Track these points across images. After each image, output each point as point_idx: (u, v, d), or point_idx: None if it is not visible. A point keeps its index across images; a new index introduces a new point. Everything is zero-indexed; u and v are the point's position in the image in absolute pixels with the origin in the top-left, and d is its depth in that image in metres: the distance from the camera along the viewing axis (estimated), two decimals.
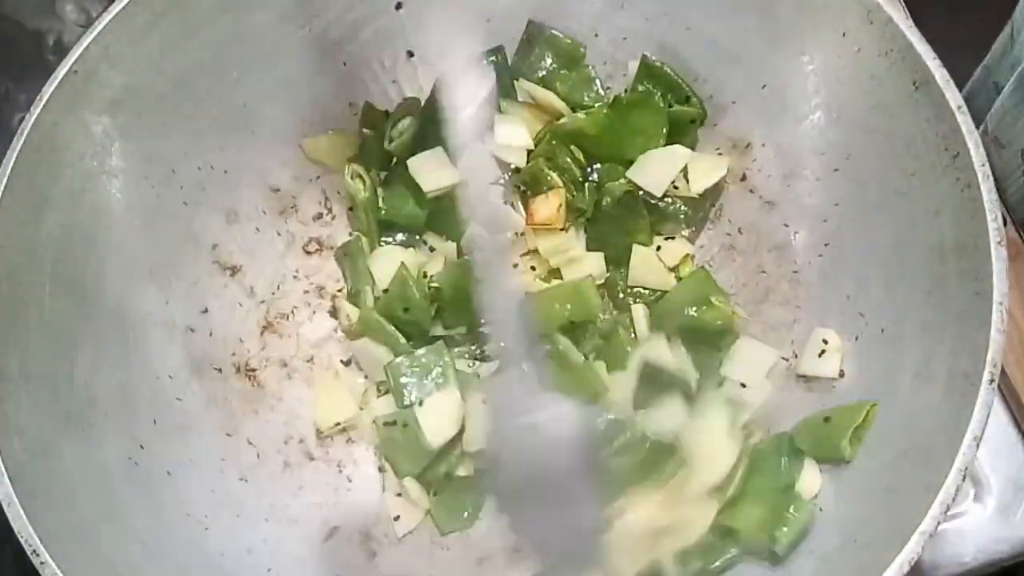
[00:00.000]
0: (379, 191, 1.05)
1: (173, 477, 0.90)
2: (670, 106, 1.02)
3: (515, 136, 1.05)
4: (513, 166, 1.04)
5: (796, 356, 0.95)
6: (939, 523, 0.71)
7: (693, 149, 1.02)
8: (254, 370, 1.02)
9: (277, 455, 0.99)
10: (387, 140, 1.03)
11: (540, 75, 1.06)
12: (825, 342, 0.92)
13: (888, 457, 0.81)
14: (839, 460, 0.86)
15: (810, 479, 0.87)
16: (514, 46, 1.07)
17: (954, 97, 0.81)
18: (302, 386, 1.03)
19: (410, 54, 1.08)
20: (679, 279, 1.02)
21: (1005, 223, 0.79)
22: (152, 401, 0.92)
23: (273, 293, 1.05)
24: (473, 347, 1.01)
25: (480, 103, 0.85)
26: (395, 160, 1.04)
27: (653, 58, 1.02)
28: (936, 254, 0.83)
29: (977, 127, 0.95)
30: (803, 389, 0.93)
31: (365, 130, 1.06)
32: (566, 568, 0.86)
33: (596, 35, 1.06)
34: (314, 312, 1.06)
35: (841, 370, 0.91)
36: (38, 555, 0.73)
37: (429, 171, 1.02)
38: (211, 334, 1.00)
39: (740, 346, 0.97)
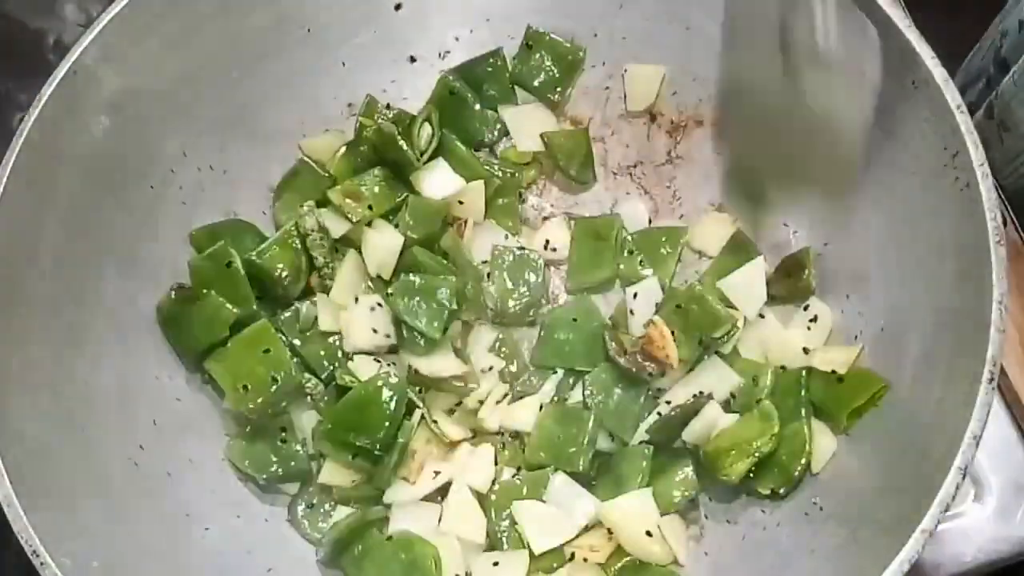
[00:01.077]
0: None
1: (173, 477, 0.90)
2: None
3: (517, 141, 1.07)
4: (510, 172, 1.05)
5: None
6: (939, 522, 0.71)
7: None
8: None
9: None
10: (416, 153, 1.01)
11: (539, 79, 1.07)
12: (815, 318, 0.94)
13: (888, 456, 0.81)
14: (836, 426, 0.87)
15: (824, 442, 0.88)
16: (514, 46, 1.07)
17: (953, 96, 0.81)
18: None
19: (412, 59, 1.08)
20: None
21: (1005, 223, 0.79)
22: (152, 402, 0.92)
23: None
24: None
25: None
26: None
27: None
28: (935, 253, 0.83)
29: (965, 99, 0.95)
30: None
31: (363, 119, 1.06)
32: None
33: (595, 35, 1.06)
34: None
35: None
36: (38, 556, 0.73)
37: (432, 180, 1.02)
38: None
39: None
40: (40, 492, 0.77)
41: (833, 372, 0.89)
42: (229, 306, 0.95)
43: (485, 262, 1.02)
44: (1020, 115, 0.97)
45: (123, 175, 0.93)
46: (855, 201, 0.92)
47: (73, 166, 0.89)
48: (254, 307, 0.97)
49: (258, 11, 0.98)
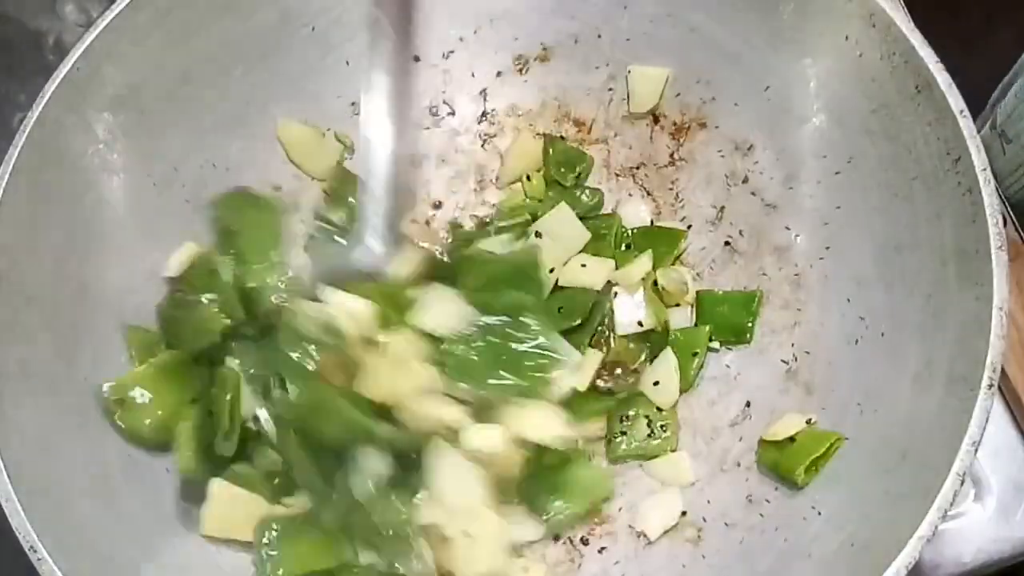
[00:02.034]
0: None
1: (172, 474, 0.90)
2: None
3: None
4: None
5: (796, 360, 0.95)
6: (937, 528, 0.71)
7: None
8: None
9: None
10: None
11: None
12: None
13: (886, 461, 0.81)
14: (792, 482, 0.87)
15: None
16: (519, 47, 1.08)
17: (956, 101, 0.81)
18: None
19: (416, 58, 1.08)
20: None
21: (1004, 223, 0.79)
22: None
23: None
24: None
25: None
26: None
27: None
28: (937, 258, 0.83)
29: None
30: (802, 391, 0.93)
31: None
32: None
33: (599, 36, 1.06)
34: None
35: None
36: (35, 552, 0.74)
37: None
38: None
39: None
40: (39, 489, 0.77)
41: (788, 436, 0.89)
42: (222, 315, 0.93)
43: None
44: (1022, 126, 0.97)
45: (125, 173, 0.93)
46: (856, 205, 0.92)
47: (75, 164, 0.89)
48: (244, 317, 0.94)
49: (261, 9, 0.99)
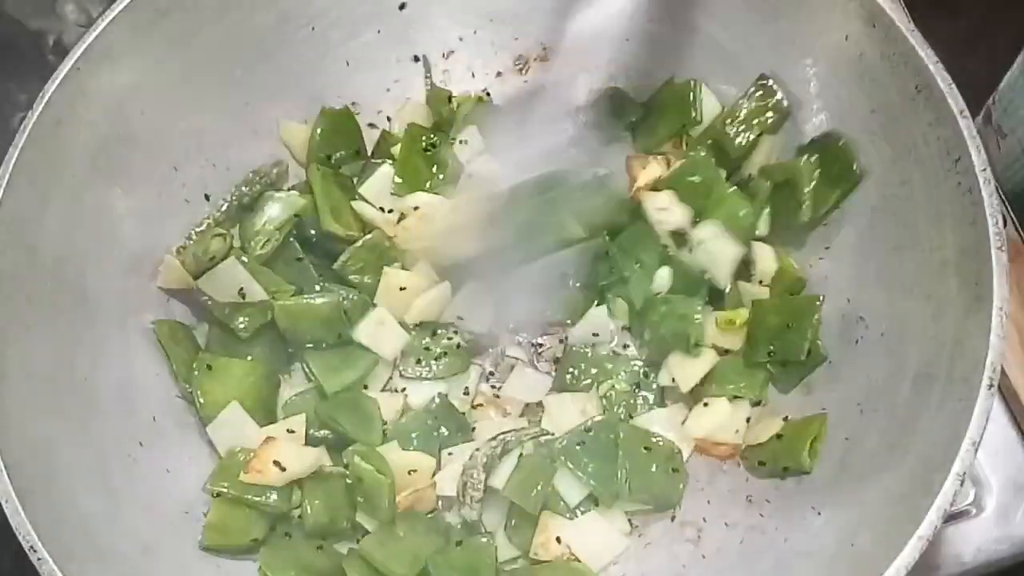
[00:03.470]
0: None
1: (172, 474, 0.90)
2: None
3: None
4: None
5: None
6: (937, 528, 0.71)
7: None
8: None
9: None
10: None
11: None
12: None
13: (886, 461, 0.81)
14: (800, 472, 0.87)
15: None
16: (518, 47, 1.08)
17: (956, 101, 0.81)
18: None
19: (416, 59, 1.08)
20: None
21: (1005, 223, 0.79)
22: (151, 398, 0.93)
23: None
24: None
25: None
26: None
27: None
28: (936, 258, 0.83)
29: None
30: (802, 391, 0.94)
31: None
32: None
33: (599, 36, 1.06)
34: None
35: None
36: (35, 551, 0.74)
37: None
38: None
39: None
40: (39, 489, 0.77)
41: (774, 436, 0.90)
42: None
43: None
44: (1017, 120, 0.97)
45: (125, 173, 0.93)
46: (856, 205, 0.92)
47: (75, 164, 0.89)
48: None
49: (261, 9, 0.99)
